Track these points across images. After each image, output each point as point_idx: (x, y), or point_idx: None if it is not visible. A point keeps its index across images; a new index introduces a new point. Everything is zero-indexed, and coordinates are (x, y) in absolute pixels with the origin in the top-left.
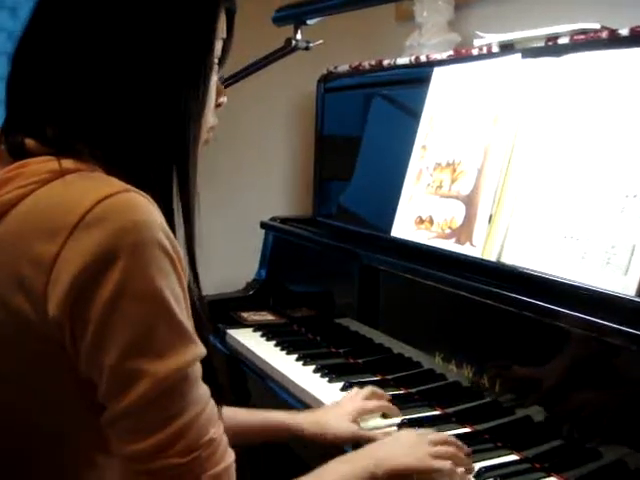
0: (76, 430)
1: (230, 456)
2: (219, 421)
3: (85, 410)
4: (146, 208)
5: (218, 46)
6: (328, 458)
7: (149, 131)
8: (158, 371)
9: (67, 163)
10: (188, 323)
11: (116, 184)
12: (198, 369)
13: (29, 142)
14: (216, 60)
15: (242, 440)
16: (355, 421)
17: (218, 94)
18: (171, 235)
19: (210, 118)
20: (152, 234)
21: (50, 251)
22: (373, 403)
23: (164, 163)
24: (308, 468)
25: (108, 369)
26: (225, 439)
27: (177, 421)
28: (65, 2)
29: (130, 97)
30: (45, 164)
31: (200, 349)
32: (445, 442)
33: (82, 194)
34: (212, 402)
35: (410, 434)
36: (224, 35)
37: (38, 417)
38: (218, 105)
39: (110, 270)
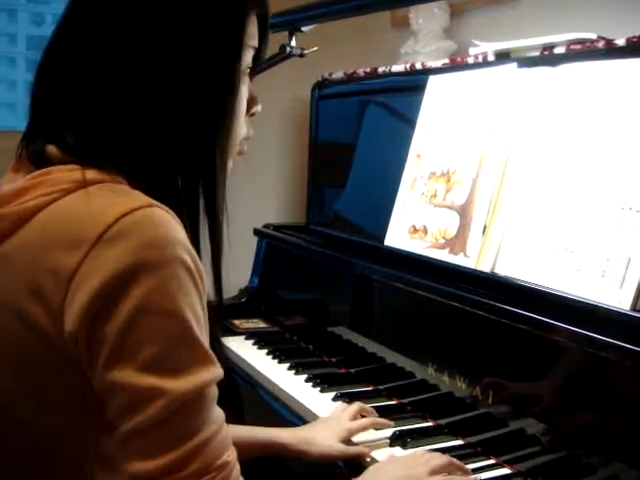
0: (80, 447)
1: None
2: (233, 446)
3: (92, 428)
4: (170, 224)
5: (248, 55)
6: (322, 471)
7: (174, 145)
8: (174, 390)
9: (91, 173)
10: (207, 342)
11: (140, 198)
12: (215, 390)
13: (51, 149)
14: (247, 70)
15: None
16: (343, 440)
17: (252, 103)
18: (194, 253)
19: (243, 128)
20: (175, 251)
21: (70, 263)
22: (360, 423)
23: (190, 178)
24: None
25: (123, 386)
26: (238, 466)
27: (190, 441)
28: (91, 14)
29: (155, 111)
30: (69, 173)
31: (219, 371)
32: (444, 467)
33: (105, 207)
34: (226, 426)
35: (409, 459)
36: (255, 43)
37: (44, 431)
38: (252, 114)
39: (130, 287)
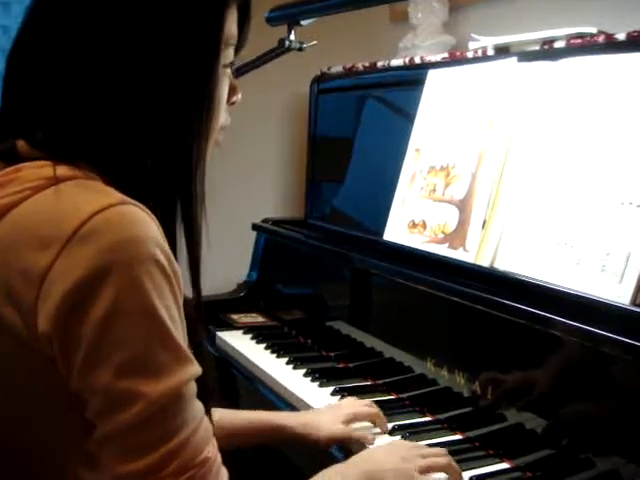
0: (62, 445)
1: (224, 475)
2: (213, 439)
3: (73, 426)
4: (143, 222)
5: (228, 52)
6: (317, 460)
7: (147, 141)
8: (151, 392)
9: (62, 170)
10: (183, 341)
11: (113, 195)
12: (193, 387)
13: (21, 144)
14: (228, 63)
15: (229, 443)
16: (347, 424)
17: (232, 92)
18: (168, 250)
19: (221, 118)
20: (148, 249)
21: (41, 263)
22: (366, 409)
23: (165, 173)
24: (297, 471)
25: (101, 388)
26: (219, 457)
27: (171, 441)
28: (59, 5)
29: (127, 106)
30: (39, 170)
31: (196, 368)
32: (437, 455)
33: (77, 205)
34: (206, 420)
35: (403, 445)
36: (234, 41)
37: (25, 431)
38: (232, 103)
39: (104, 286)
